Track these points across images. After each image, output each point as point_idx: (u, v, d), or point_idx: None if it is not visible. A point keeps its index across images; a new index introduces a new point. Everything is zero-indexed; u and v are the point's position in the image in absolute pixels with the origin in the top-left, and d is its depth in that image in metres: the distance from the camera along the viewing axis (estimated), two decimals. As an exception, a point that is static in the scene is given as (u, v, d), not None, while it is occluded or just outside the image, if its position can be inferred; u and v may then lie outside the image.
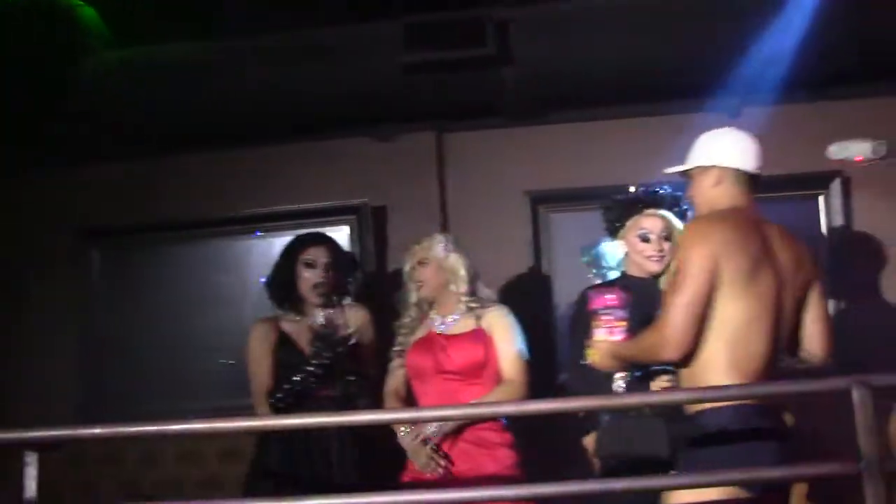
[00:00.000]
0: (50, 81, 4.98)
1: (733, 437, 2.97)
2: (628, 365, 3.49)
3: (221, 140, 5.46)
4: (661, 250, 3.87)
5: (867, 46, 4.75)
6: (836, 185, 5.14)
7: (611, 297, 3.36)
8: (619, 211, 4.00)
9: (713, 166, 3.29)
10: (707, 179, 3.31)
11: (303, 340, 4.19)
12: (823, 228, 5.18)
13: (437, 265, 4.07)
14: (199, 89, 5.02)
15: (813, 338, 3.25)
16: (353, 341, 4.15)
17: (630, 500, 3.29)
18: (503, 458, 3.89)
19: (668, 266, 3.79)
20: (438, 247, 4.10)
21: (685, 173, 3.40)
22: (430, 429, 3.87)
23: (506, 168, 5.36)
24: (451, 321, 4.08)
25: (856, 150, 5.16)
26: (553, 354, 5.01)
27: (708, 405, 3.02)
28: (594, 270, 4.47)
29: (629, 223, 3.96)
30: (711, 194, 3.30)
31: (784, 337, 3.16)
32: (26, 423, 3.32)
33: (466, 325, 4.05)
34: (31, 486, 2.80)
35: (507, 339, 3.99)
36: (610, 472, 3.80)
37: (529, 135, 5.37)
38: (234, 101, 5.02)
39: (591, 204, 4.11)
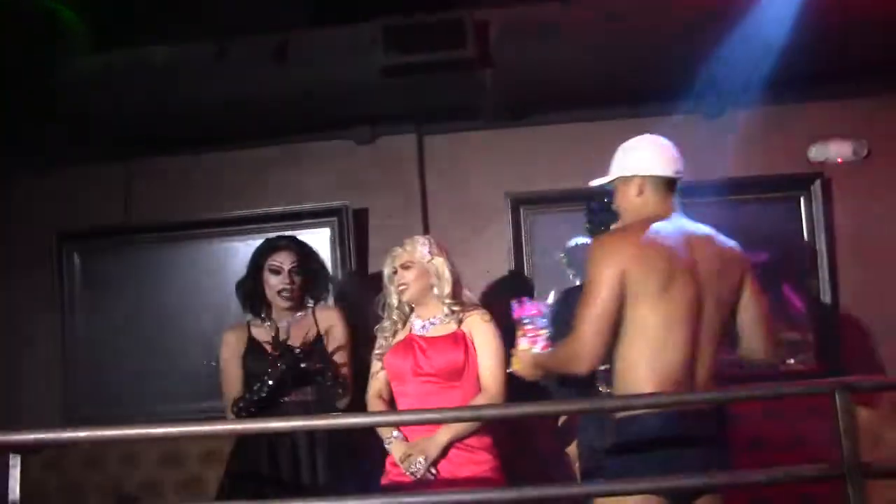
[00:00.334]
0: (29, 84, 4.94)
1: (655, 445, 3.02)
2: (552, 374, 3.52)
3: (201, 143, 5.44)
4: None
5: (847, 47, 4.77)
6: (816, 187, 5.14)
7: (532, 308, 3.46)
8: (602, 213, 4.00)
9: (634, 176, 3.33)
10: (630, 189, 3.35)
11: (270, 346, 4.18)
12: (804, 230, 5.17)
13: (421, 268, 4.06)
14: (178, 92, 4.98)
15: (752, 339, 3.28)
16: (320, 344, 4.16)
17: None
18: (482, 461, 3.89)
19: None
20: (423, 249, 4.09)
21: (610, 184, 3.43)
22: (418, 466, 3.84)
23: (486, 170, 5.35)
24: (431, 324, 4.06)
25: (836, 152, 5.18)
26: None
27: (632, 413, 3.07)
28: (574, 271, 4.48)
29: (612, 226, 3.95)
30: (636, 203, 3.34)
31: (709, 343, 3.16)
32: (8, 425, 3.31)
33: (447, 328, 4.03)
34: (14, 489, 2.79)
35: (487, 347, 3.98)
36: (590, 464, 3.82)
37: (510, 137, 5.36)
38: (213, 103, 4.99)
39: (572, 206, 4.12)
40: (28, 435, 2.89)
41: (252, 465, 4.08)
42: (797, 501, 4.34)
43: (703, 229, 3.33)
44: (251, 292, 4.29)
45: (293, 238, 4.40)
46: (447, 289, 4.05)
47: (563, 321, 3.57)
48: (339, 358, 4.21)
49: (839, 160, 5.18)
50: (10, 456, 2.82)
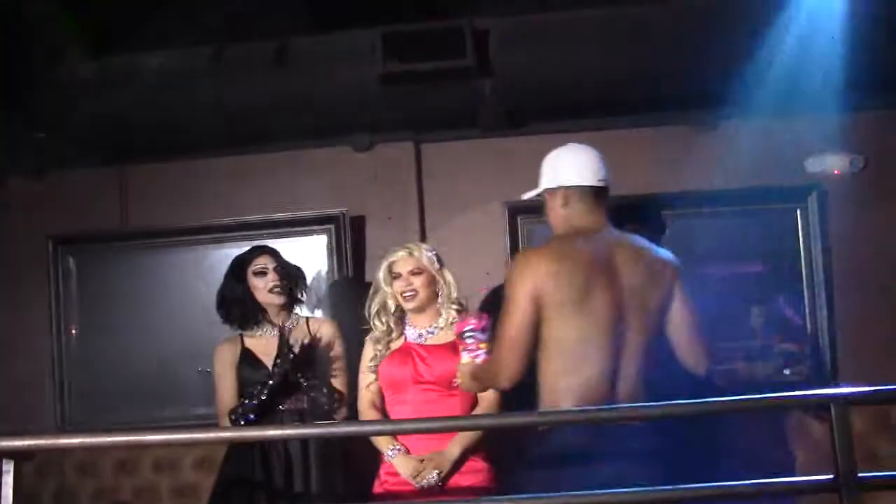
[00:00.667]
0: (24, 88, 4.94)
1: (569, 459, 3.05)
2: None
3: (198, 148, 5.43)
4: None
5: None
6: (813, 199, 5.15)
7: (473, 321, 3.47)
8: None
9: (559, 187, 3.34)
10: (556, 201, 3.38)
11: (266, 354, 4.17)
12: (801, 241, 5.17)
13: (430, 275, 4.05)
14: (175, 98, 4.97)
15: (681, 348, 3.29)
16: (313, 353, 4.16)
17: None
18: (481, 469, 3.90)
19: None
20: (430, 255, 4.09)
21: (540, 197, 3.46)
22: (432, 481, 3.83)
23: (484, 178, 5.35)
24: (430, 332, 4.05)
25: (833, 164, 5.19)
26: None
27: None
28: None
29: None
30: (562, 215, 3.36)
31: (633, 356, 3.16)
32: (2, 431, 3.28)
33: (446, 336, 4.02)
34: (7, 495, 2.79)
35: None
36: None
37: (508, 145, 5.36)
38: (210, 109, 4.98)
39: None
40: (22, 441, 2.87)
41: (245, 473, 4.07)
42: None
43: (630, 240, 3.33)
44: (242, 303, 4.28)
45: (265, 245, 4.44)
46: (454, 295, 4.06)
47: None
48: (337, 371, 4.21)
49: (836, 172, 5.19)
50: (4, 462, 2.80)
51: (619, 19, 4.84)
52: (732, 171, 5.08)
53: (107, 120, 5.04)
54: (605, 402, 3.09)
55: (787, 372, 5.29)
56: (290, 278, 4.31)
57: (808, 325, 5.13)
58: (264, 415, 4.04)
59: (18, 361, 5.45)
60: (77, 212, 5.54)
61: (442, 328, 4.05)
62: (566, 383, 3.11)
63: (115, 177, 5.56)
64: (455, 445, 3.85)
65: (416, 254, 4.08)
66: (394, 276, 4.08)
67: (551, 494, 2.86)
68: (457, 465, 3.86)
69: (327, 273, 5.25)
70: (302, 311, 4.46)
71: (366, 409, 4.11)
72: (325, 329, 4.30)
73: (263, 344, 4.23)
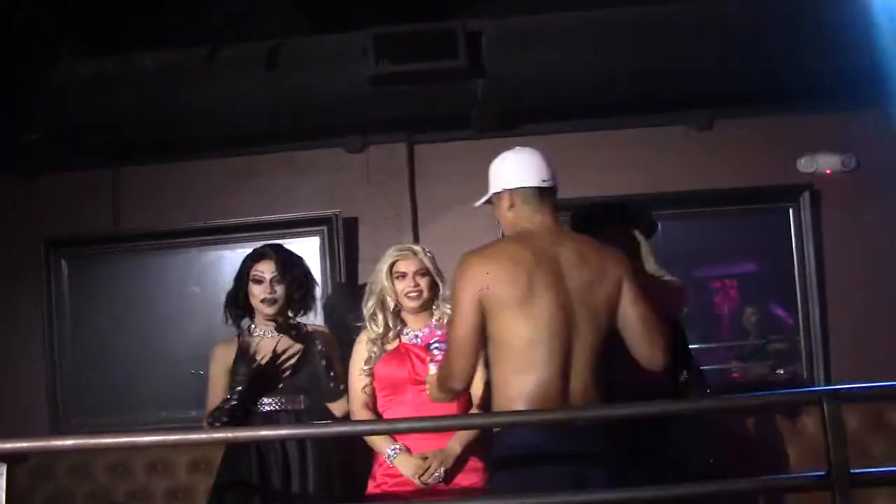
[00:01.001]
0: (18, 91, 4.93)
1: (522, 461, 3.06)
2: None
3: (190, 150, 5.43)
4: None
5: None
6: (805, 198, 5.17)
7: (439, 333, 3.54)
8: (583, 221, 3.99)
9: (504, 190, 3.37)
10: (503, 204, 3.40)
11: (260, 356, 4.17)
12: (793, 240, 5.19)
13: (433, 276, 4.06)
14: (168, 99, 4.98)
15: (633, 344, 3.26)
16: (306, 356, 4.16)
17: None
18: (479, 468, 3.88)
19: None
20: (429, 256, 4.10)
21: (489, 202, 3.48)
22: (437, 478, 3.81)
23: (477, 179, 5.32)
24: (425, 332, 4.05)
25: (825, 163, 5.21)
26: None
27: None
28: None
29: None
30: (510, 217, 3.38)
31: (585, 356, 3.16)
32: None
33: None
34: (0, 498, 2.78)
35: None
36: None
37: (500, 146, 5.31)
38: (202, 111, 4.98)
39: (562, 215, 4.11)
40: (15, 444, 2.87)
41: (242, 474, 4.06)
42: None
43: (577, 238, 3.34)
44: (237, 302, 4.27)
45: (278, 247, 4.36)
46: (448, 294, 4.06)
47: None
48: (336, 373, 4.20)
49: (828, 171, 5.21)
50: (-3, 464, 2.80)
51: (611, 21, 4.85)
52: (725, 171, 5.10)
53: (100, 121, 5.04)
54: (558, 403, 3.10)
55: (780, 371, 5.32)
56: (289, 289, 4.28)
57: (801, 325, 5.14)
58: (244, 417, 4.04)
59: (11, 364, 5.43)
60: (70, 214, 5.53)
61: (433, 329, 4.05)
62: (518, 384, 3.12)
63: (107, 179, 5.55)
64: (455, 442, 3.84)
65: (419, 255, 4.08)
66: (396, 275, 4.06)
67: (552, 495, 2.87)
68: (458, 462, 3.86)
69: (320, 274, 5.22)
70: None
71: (358, 411, 4.08)
72: (325, 339, 4.26)
73: (261, 346, 4.21)
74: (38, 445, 3.16)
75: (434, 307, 4.08)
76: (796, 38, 4.72)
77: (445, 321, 3.97)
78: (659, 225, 4.05)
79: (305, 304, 4.32)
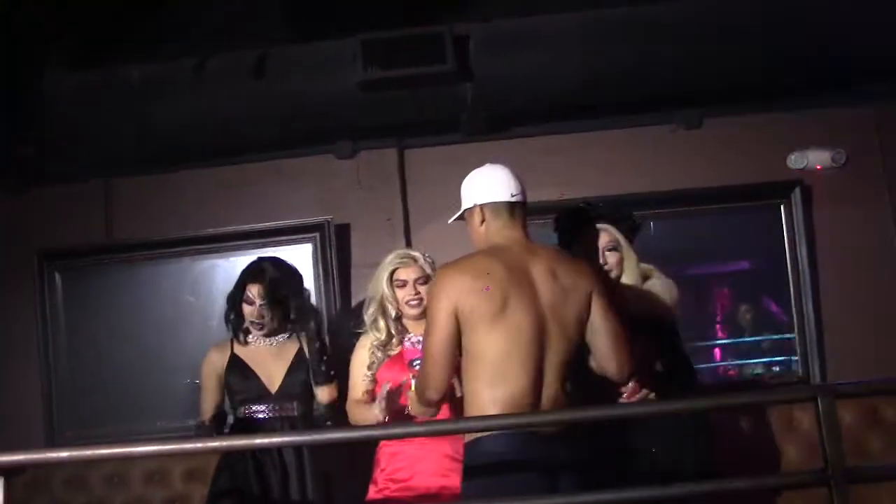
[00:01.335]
0: (9, 102, 4.93)
1: (494, 469, 3.07)
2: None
3: (181, 160, 5.41)
4: (605, 263, 3.84)
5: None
6: (796, 194, 5.17)
7: (420, 348, 3.47)
8: (568, 222, 3.99)
9: (474, 206, 3.41)
10: (474, 219, 3.44)
11: (256, 363, 4.21)
12: (785, 236, 5.19)
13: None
14: (158, 110, 4.97)
15: (601, 358, 3.30)
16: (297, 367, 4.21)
17: None
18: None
19: (618, 278, 3.80)
20: (430, 261, 4.10)
21: (462, 218, 3.52)
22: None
23: (468, 183, 5.34)
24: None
25: (815, 160, 5.22)
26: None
27: (478, 435, 3.13)
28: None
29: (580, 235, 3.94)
30: (482, 232, 3.41)
31: (556, 368, 3.19)
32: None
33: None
34: (-1, 510, 2.78)
35: None
36: None
37: (490, 150, 5.36)
38: (192, 120, 4.98)
39: (551, 217, 4.13)
40: (10, 456, 2.86)
41: (239, 483, 4.07)
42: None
43: (547, 252, 3.36)
44: (231, 315, 4.30)
45: (272, 264, 4.36)
46: None
47: None
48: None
49: (818, 167, 5.22)
50: (-7, 478, 2.78)
51: (598, 23, 4.86)
52: (715, 169, 5.11)
53: (90, 133, 5.03)
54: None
55: (776, 368, 5.32)
56: (277, 308, 4.27)
57: (795, 321, 5.14)
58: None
59: (6, 376, 5.41)
60: (62, 225, 5.51)
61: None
62: (490, 396, 3.14)
63: (99, 190, 5.54)
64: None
65: (419, 262, 4.08)
66: (397, 283, 4.07)
67: (553, 496, 2.88)
68: (455, 469, 3.85)
69: (313, 282, 5.20)
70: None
71: (352, 403, 4.06)
72: (311, 320, 4.27)
73: (254, 353, 4.23)
74: (34, 458, 3.15)
75: None
76: (785, 34, 4.74)
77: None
78: (641, 225, 4.05)
79: (303, 323, 4.31)
